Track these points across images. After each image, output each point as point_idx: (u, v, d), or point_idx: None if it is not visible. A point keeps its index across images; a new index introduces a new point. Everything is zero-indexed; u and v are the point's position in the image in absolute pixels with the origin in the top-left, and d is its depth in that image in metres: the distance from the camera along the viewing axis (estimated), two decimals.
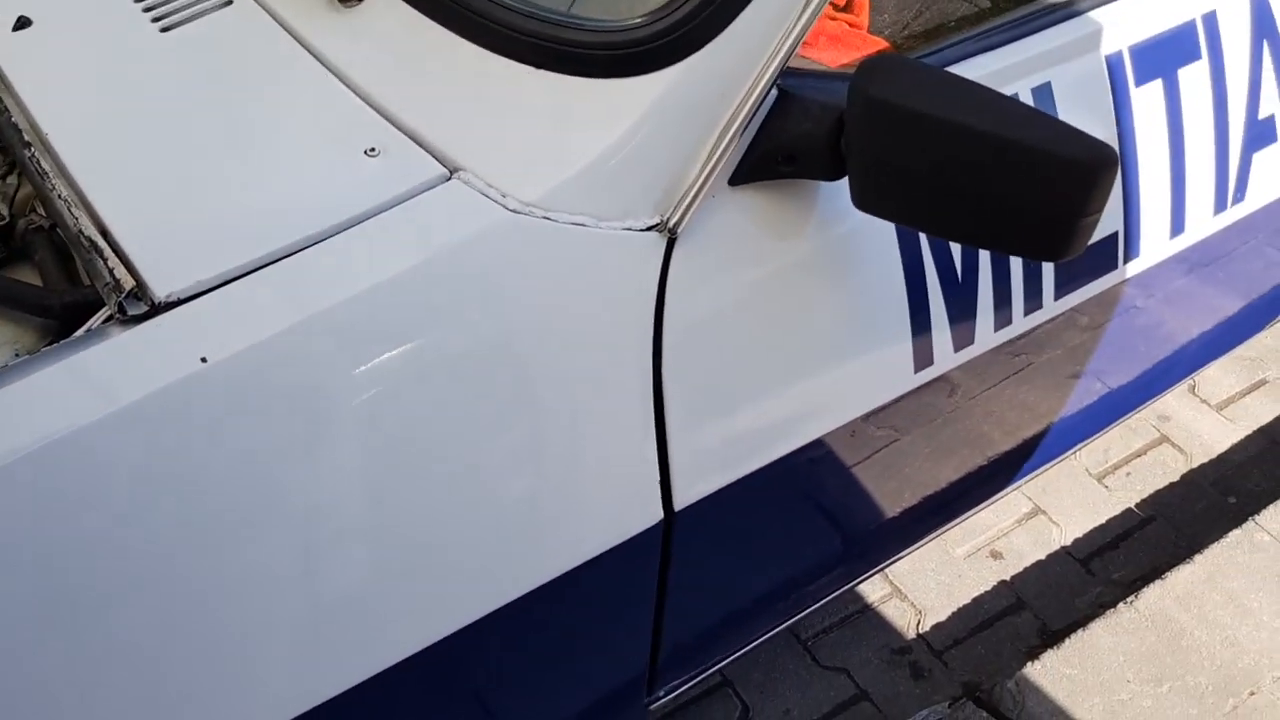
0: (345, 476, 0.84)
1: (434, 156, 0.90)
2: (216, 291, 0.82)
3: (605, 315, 0.91)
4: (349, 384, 0.83)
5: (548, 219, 0.88)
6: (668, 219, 0.91)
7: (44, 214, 0.98)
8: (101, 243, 0.84)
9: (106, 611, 0.78)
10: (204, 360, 0.80)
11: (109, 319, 0.82)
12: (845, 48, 1.77)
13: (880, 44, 1.71)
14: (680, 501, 0.98)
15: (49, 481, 0.75)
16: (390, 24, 0.99)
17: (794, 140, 0.92)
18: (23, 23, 1.00)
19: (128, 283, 0.82)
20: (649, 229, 0.91)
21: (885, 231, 1.05)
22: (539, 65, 0.92)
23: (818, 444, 1.08)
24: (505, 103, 0.93)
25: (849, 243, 1.05)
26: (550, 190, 0.89)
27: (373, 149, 0.91)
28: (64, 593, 0.77)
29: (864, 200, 0.89)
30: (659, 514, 0.98)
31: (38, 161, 0.90)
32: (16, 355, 0.91)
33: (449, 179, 0.89)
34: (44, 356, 0.80)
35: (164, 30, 1.01)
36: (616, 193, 0.90)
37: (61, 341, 0.82)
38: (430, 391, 0.86)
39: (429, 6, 0.97)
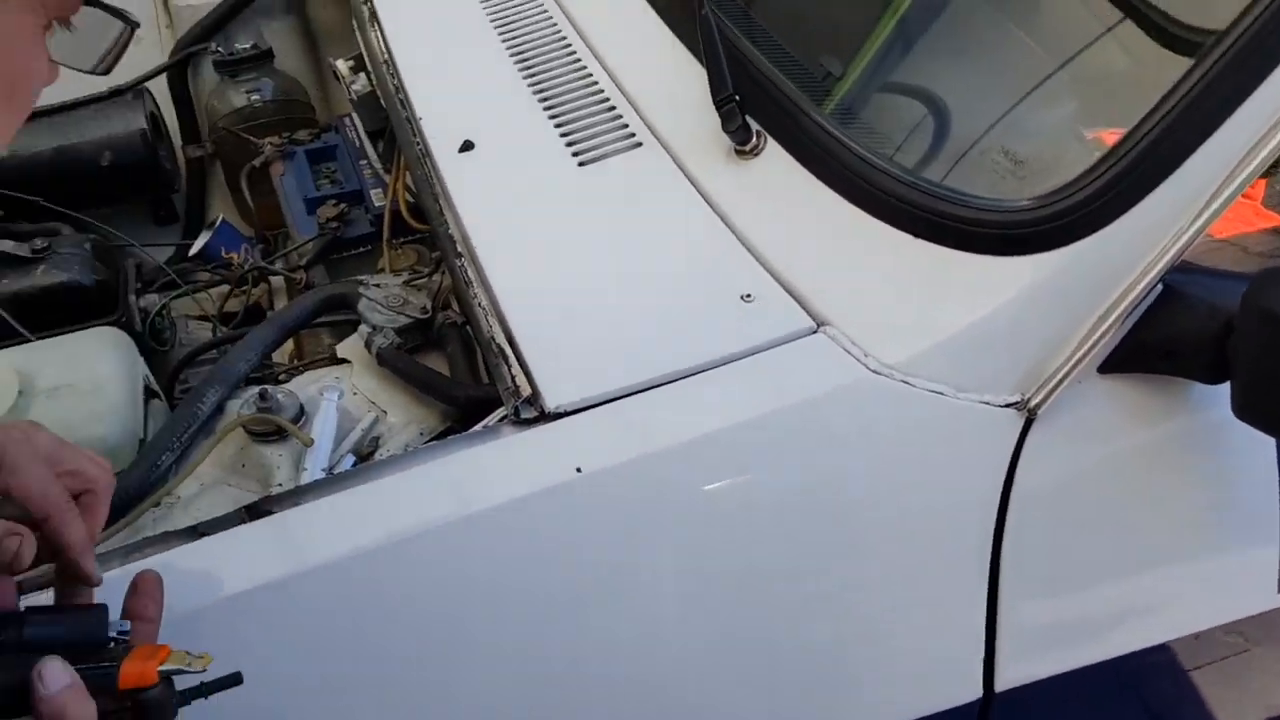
0: (668, 600, 0.90)
1: (804, 309, 0.95)
2: (597, 409, 0.91)
3: (952, 483, 0.92)
4: (692, 511, 0.89)
5: (906, 383, 0.90)
6: (1029, 398, 0.91)
7: (459, 311, 1.12)
8: (509, 351, 0.96)
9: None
10: (579, 470, 0.88)
11: (504, 419, 0.93)
12: (1236, 219, 1.68)
13: (1274, 219, 1.62)
14: (1002, 683, 0.96)
15: (435, 556, 0.86)
16: (781, 179, 1.06)
17: (1175, 337, 0.89)
18: (467, 146, 1.16)
19: (525, 390, 0.93)
20: (1008, 405, 0.91)
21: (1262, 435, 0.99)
22: (920, 235, 0.96)
23: (1161, 649, 1.02)
24: (881, 266, 0.97)
25: (1220, 439, 1.00)
26: (913, 356, 0.91)
27: (748, 295, 0.97)
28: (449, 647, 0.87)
29: (1246, 412, 0.85)
30: (978, 691, 0.96)
31: (465, 270, 1.04)
32: (421, 435, 1.05)
33: (815, 332, 0.94)
34: (448, 444, 0.92)
35: (581, 165, 1.13)
36: (979, 366, 0.91)
37: (462, 432, 0.94)
38: (767, 532, 0.90)
39: (819, 168, 1.03)
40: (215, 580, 0.86)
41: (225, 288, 1.50)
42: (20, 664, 0.65)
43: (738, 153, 1.09)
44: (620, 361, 0.94)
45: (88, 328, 1.28)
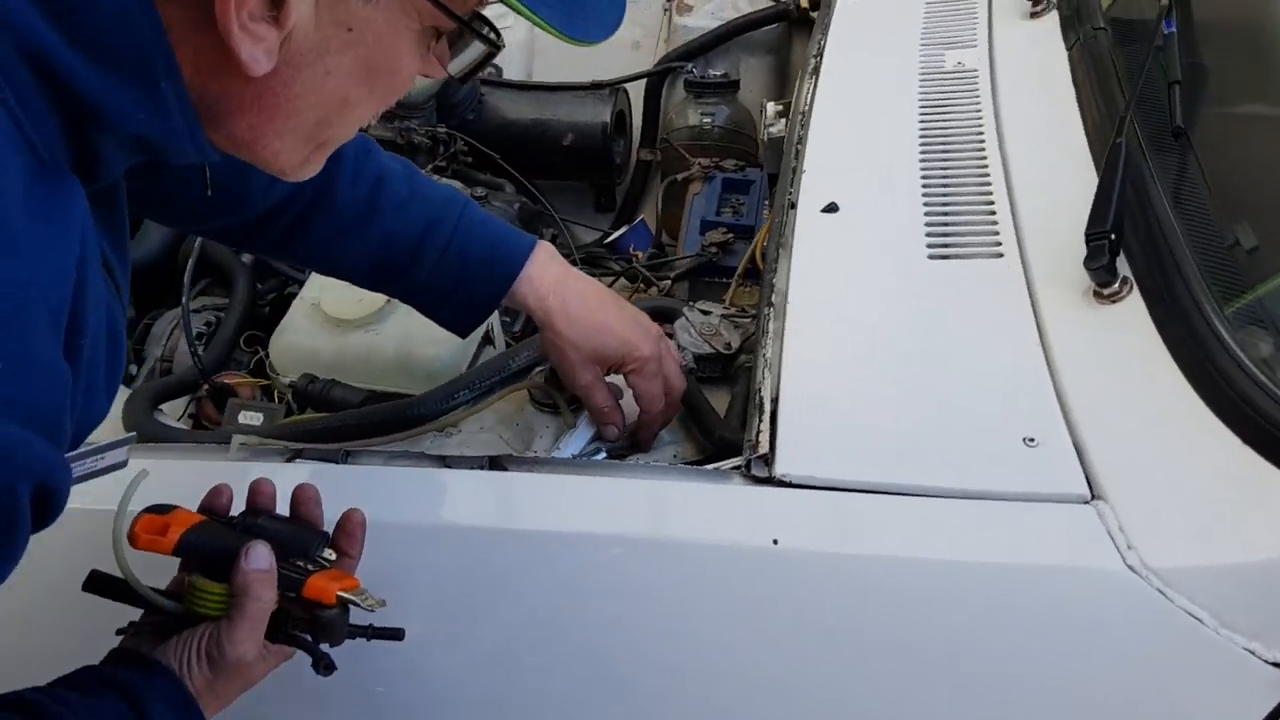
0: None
1: (1085, 475, 0.86)
2: (821, 491, 0.89)
3: None
4: (864, 631, 0.85)
5: (1162, 593, 0.79)
6: None
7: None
8: (767, 407, 0.96)
9: None
10: (775, 542, 0.87)
11: (736, 468, 0.93)
12: None
13: None
14: None
15: (616, 561, 0.89)
16: (1128, 336, 0.96)
17: None
18: (831, 207, 1.17)
19: (763, 448, 0.92)
20: (1275, 664, 0.76)
21: None
22: (1256, 445, 0.83)
23: None
24: (1192, 461, 0.85)
25: None
26: (1182, 567, 0.79)
27: (1032, 439, 0.89)
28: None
29: None
30: None
31: (767, 320, 1.05)
32: (675, 457, 1.08)
33: (1086, 503, 0.84)
34: (678, 471, 0.95)
35: (930, 257, 1.10)
36: (1258, 607, 0.77)
37: (703, 466, 0.96)
38: (941, 683, 0.83)
39: (1178, 346, 0.92)
40: (431, 507, 0.95)
41: (609, 279, 1.62)
42: (240, 542, 0.79)
43: (1095, 293, 1.00)
44: (868, 456, 0.91)
45: None
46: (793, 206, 1.19)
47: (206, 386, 1.31)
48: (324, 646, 0.81)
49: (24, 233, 0.55)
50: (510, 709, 0.93)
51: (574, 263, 1.68)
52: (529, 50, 2.08)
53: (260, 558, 0.78)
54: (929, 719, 0.84)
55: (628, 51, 2.06)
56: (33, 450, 0.54)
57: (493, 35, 0.72)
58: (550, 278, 1.05)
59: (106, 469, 0.71)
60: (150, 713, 0.74)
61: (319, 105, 0.68)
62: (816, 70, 1.44)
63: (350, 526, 0.86)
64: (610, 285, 1.65)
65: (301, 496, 0.86)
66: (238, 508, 0.85)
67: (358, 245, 1.01)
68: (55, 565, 0.77)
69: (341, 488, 0.95)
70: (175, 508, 0.81)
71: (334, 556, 0.84)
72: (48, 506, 0.58)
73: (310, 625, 0.81)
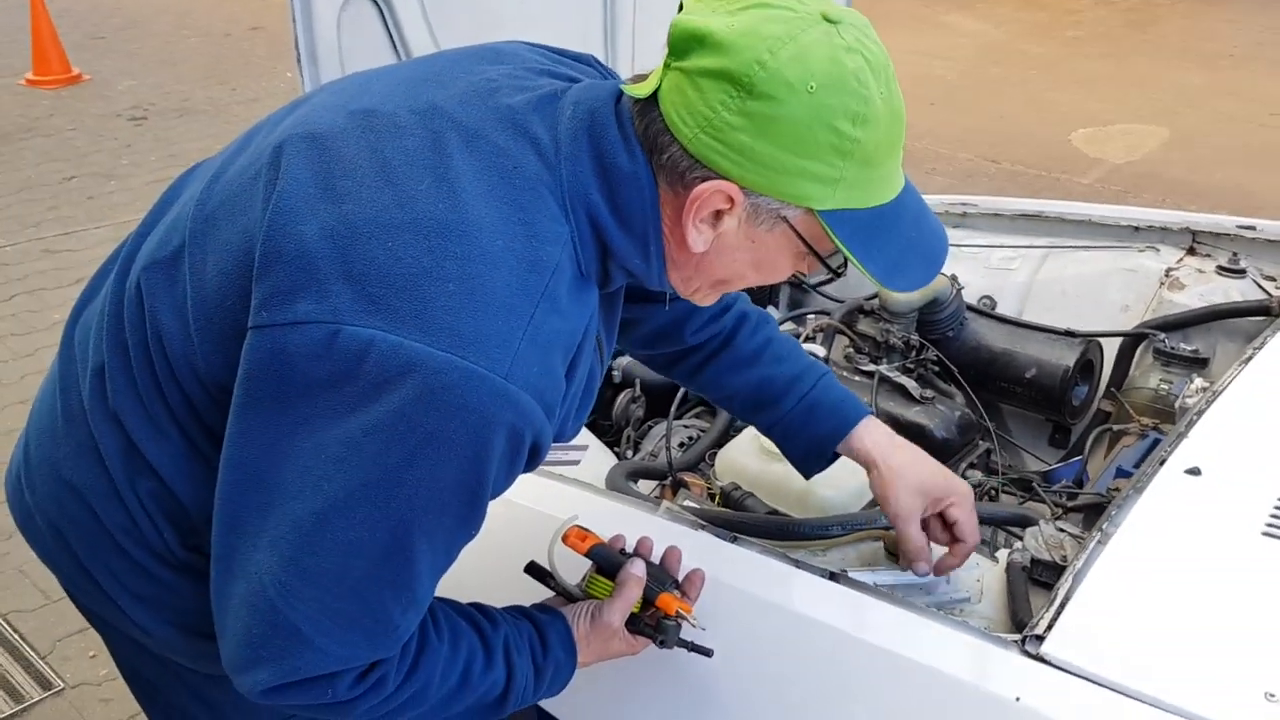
0: None
1: None
2: (1072, 677, 1.07)
3: None
4: None
5: None
6: None
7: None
8: (1058, 600, 1.16)
9: None
10: (1018, 699, 1.07)
11: (1015, 640, 1.14)
12: None
13: None
14: None
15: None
16: None
17: None
18: (1194, 470, 1.32)
19: (1040, 629, 1.13)
20: None
21: None
22: None
23: None
24: None
25: None
26: None
27: (1273, 695, 1.01)
28: None
29: None
30: None
31: (1091, 542, 1.24)
32: (986, 627, 1.29)
33: None
34: (974, 630, 1.17)
35: (1263, 535, 1.22)
36: None
37: (990, 632, 1.17)
38: None
39: None
40: (766, 585, 1.27)
41: (1021, 498, 1.83)
42: (628, 559, 1.24)
43: None
44: (1127, 664, 1.07)
45: None
46: (1162, 462, 1.36)
47: (670, 478, 1.74)
48: (661, 640, 1.20)
49: (565, 305, 0.99)
50: None
51: (996, 472, 1.93)
52: (1025, 291, 2.35)
53: (639, 567, 1.22)
54: None
55: (1116, 311, 2.25)
56: (537, 415, 0.96)
57: (840, 268, 1.07)
58: (881, 434, 1.36)
59: (567, 461, 1.15)
60: (548, 638, 1.16)
61: (723, 274, 1.09)
62: (1247, 361, 1.57)
63: (694, 577, 1.26)
64: (1021, 504, 1.87)
65: (670, 554, 1.28)
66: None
67: (742, 380, 1.40)
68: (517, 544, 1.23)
69: (722, 557, 1.32)
70: (591, 532, 1.26)
71: (679, 594, 1.23)
72: (536, 455, 1.01)
73: (654, 627, 1.21)
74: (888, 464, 1.33)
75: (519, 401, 0.93)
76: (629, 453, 2.00)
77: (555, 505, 1.44)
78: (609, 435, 2.12)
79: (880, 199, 1.01)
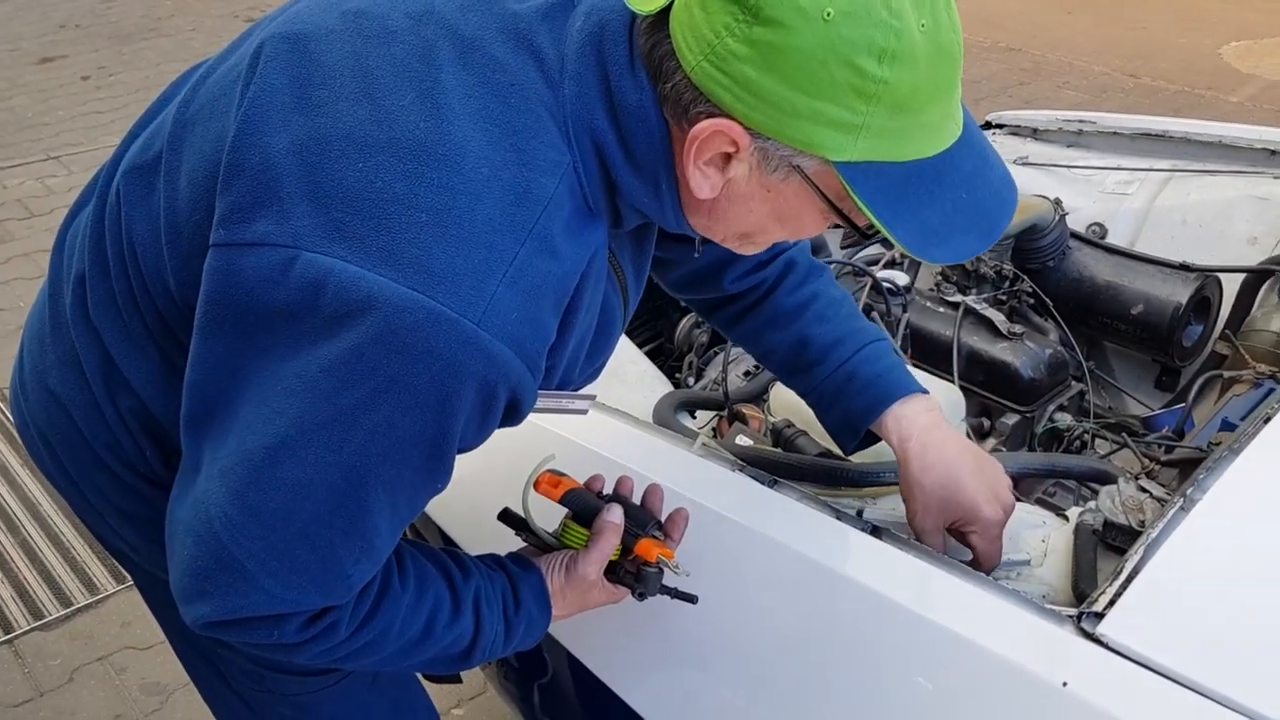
0: None
1: None
2: (1127, 662, 0.95)
3: None
4: None
5: None
6: None
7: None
8: (1123, 575, 1.02)
9: None
10: (1064, 684, 0.95)
11: (1072, 616, 1.01)
12: None
13: None
14: None
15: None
16: None
17: None
18: None
19: (1099, 606, 1.00)
20: None
21: None
22: None
23: None
24: None
25: None
26: None
27: None
28: None
29: None
30: None
31: (1173, 508, 1.09)
32: (1044, 597, 1.17)
33: None
34: (1026, 601, 1.04)
35: None
36: None
37: (1046, 604, 1.05)
38: None
39: None
40: (799, 534, 1.16)
41: (1114, 448, 1.67)
42: (604, 504, 1.14)
43: None
44: (1191, 650, 0.94)
45: None
46: (1266, 420, 1.20)
47: (726, 409, 1.64)
48: (640, 592, 1.13)
49: (559, 244, 0.88)
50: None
51: (1086, 416, 1.76)
52: (1140, 219, 2.14)
53: (616, 513, 1.12)
54: None
55: (1242, 244, 2.03)
56: (514, 368, 0.86)
57: (870, 229, 0.90)
58: (919, 423, 1.20)
59: (572, 410, 1.06)
60: (521, 592, 1.09)
61: (742, 225, 0.96)
62: None
63: (677, 518, 1.16)
64: (1112, 454, 1.71)
65: (652, 492, 1.18)
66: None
67: (780, 337, 1.27)
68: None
69: (756, 502, 1.21)
70: (566, 476, 1.16)
71: (662, 536, 1.14)
72: (515, 411, 0.92)
73: (634, 576, 1.12)
74: (909, 467, 1.19)
75: (491, 350, 0.84)
76: (690, 380, 1.90)
77: (591, 438, 1.36)
78: (672, 360, 2.02)
79: (919, 152, 0.86)
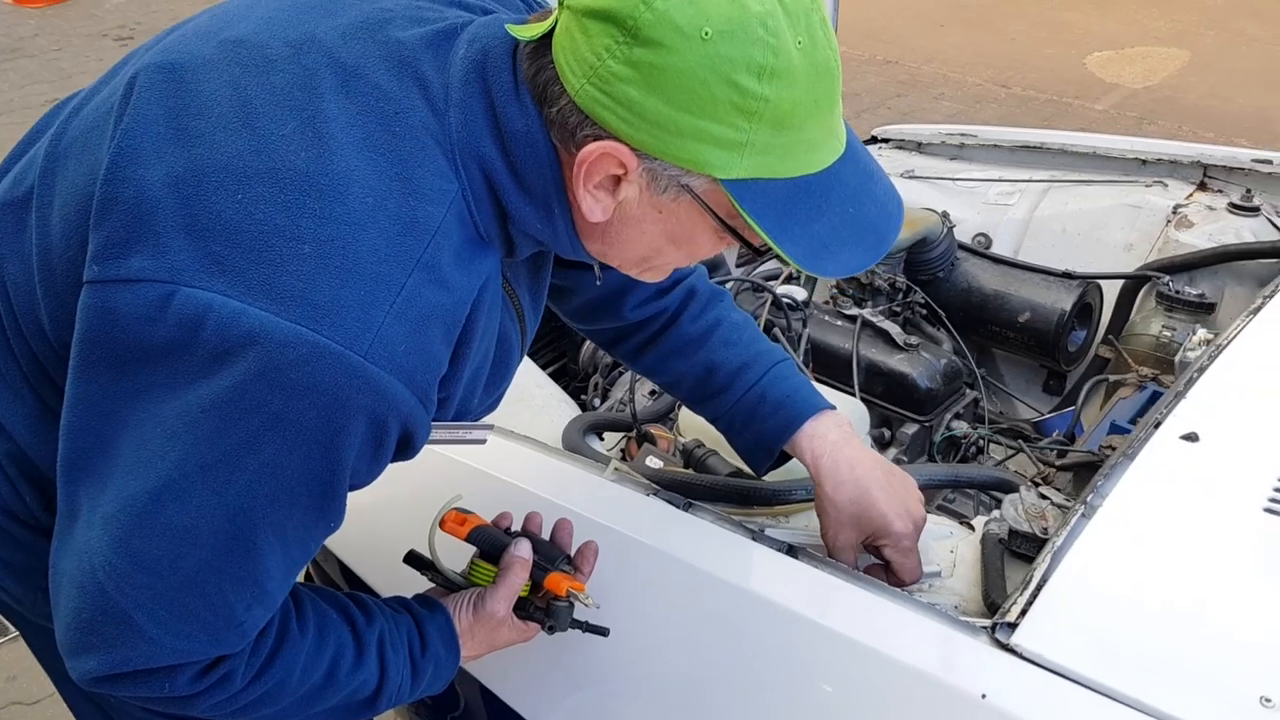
0: None
1: None
2: (1044, 671, 0.97)
3: None
4: None
5: None
6: None
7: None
8: (1033, 584, 1.05)
9: None
10: (983, 696, 0.97)
11: (985, 627, 1.03)
12: None
13: None
14: None
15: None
16: None
17: None
18: (1191, 436, 1.20)
19: (1012, 617, 1.02)
20: None
21: None
22: None
23: None
24: None
25: None
26: None
27: (1269, 699, 0.90)
28: None
29: None
30: None
31: (1074, 515, 1.13)
32: (956, 608, 1.18)
33: None
34: (940, 615, 1.06)
35: (1265, 511, 1.10)
36: None
37: (958, 616, 1.07)
38: None
39: None
40: (716, 559, 1.16)
41: (1010, 453, 1.71)
42: (511, 539, 1.13)
43: None
44: (1105, 657, 0.97)
45: None
46: (1157, 426, 1.24)
47: (635, 430, 1.63)
48: (550, 626, 1.11)
49: (448, 274, 0.86)
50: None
51: (981, 422, 1.81)
52: (1023, 229, 2.21)
53: (524, 547, 1.11)
54: None
55: (1119, 251, 2.11)
56: (405, 401, 0.84)
57: (764, 247, 0.89)
58: (830, 440, 1.21)
59: (470, 441, 1.04)
60: (427, 633, 1.07)
61: (637, 249, 0.95)
62: (1256, 311, 1.44)
63: (586, 551, 1.16)
64: (1007, 459, 1.75)
65: (561, 526, 1.18)
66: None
67: (686, 365, 1.27)
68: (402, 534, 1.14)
69: (672, 526, 1.21)
70: (472, 514, 1.15)
71: (571, 570, 1.13)
72: (408, 445, 0.89)
73: (544, 611, 1.11)
74: (822, 485, 1.20)
75: (380, 384, 0.82)
76: (596, 402, 1.89)
77: (503, 468, 1.34)
78: (577, 381, 2.01)
79: (804, 168, 0.87)
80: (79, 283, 0.84)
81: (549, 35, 0.87)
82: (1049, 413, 2.03)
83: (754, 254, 0.95)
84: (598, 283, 1.15)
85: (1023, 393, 2.16)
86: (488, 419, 1.10)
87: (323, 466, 0.83)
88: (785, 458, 1.27)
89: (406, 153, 0.86)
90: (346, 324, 0.79)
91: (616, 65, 0.82)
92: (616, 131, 0.85)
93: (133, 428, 0.82)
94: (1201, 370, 1.34)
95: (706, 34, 0.80)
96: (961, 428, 1.83)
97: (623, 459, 1.63)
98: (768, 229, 0.86)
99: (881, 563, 1.22)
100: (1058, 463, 1.58)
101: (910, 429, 1.80)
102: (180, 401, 0.80)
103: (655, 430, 1.64)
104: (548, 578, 1.11)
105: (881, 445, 1.83)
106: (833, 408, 1.25)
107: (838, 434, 1.22)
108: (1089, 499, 1.15)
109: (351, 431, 0.82)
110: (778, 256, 0.88)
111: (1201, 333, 1.50)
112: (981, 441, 1.82)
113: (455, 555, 1.15)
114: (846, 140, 0.92)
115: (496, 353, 1.01)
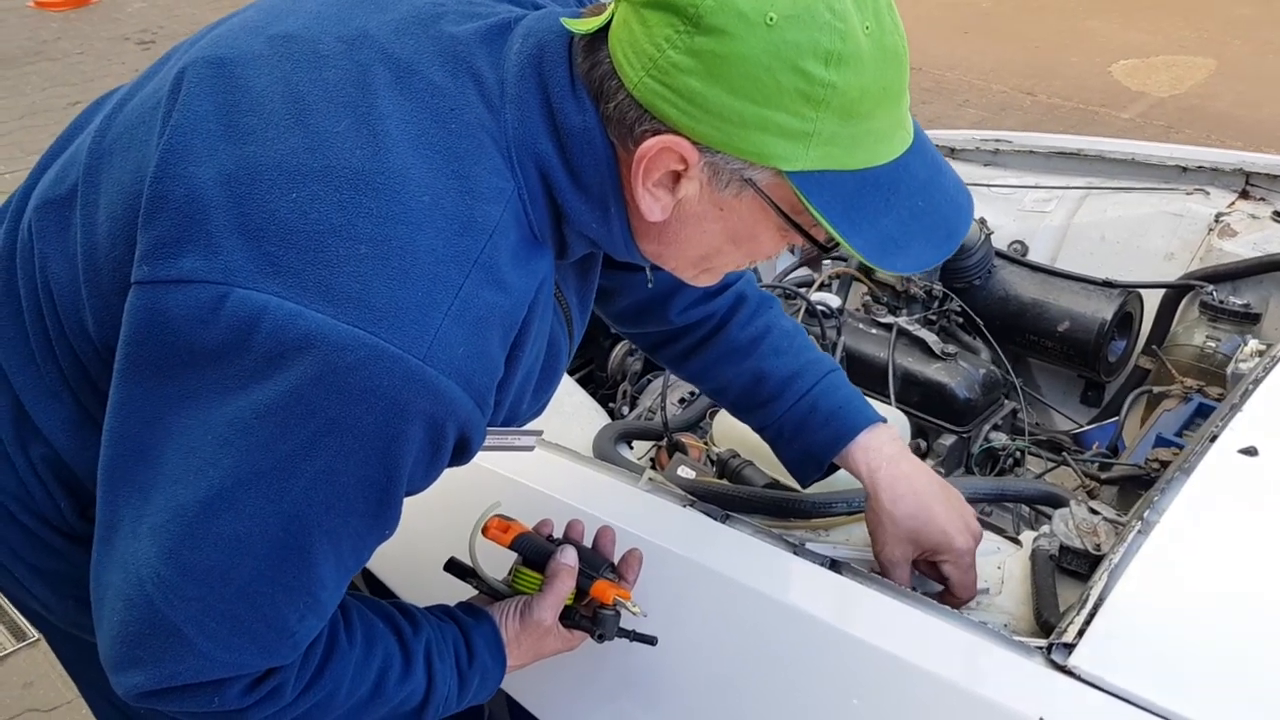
0: None
1: None
2: (1101, 693, 0.93)
3: None
4: None
5: None
6: None
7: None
8: (1089, 604, 1.01)
9: None
10: (1041, 719, 0.93)
11: (1040, 648, 0.99)
12: None
13: None
14: None
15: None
16: None
17: None
18: (1250, 450, 1.16)
19: (1069, 638, 0.98)
20: None
21: None
22: None
23: None
24: None
25: None
26: None
27: None
28: None
29: None
30: None
31: (1131, 532, 1.08)
32: (1006, 626, 1.15)
33: None
34: (995, 634, 1.02)
35: None
36: None
37: (1013, 636, 1.03)
38: None
39: None
40: (754, 572, 1.12)
41: (1051, 466, 1.67)
42: (556, 547, 1.10)
43: None
44: (1162, 680, 0.93)
45: None
46: (1213, 439, 1.20)
47: (666, 439, 1.59)
48: (599, 634, 1.08)
49: (506, 275, 0.83)
50: None
51: (1021, 434, 1.77)
52: (1060, 236, 2.17)
53: (570, 555, 1.08)
54: None
55: (1159, 260, 2.07)
56: (463, 405, 0.81)
57: (829, 243, 0.87)
58: (885, 453, 1.17)
59: (518, 447, 1.00)
60: (474, 642, 1.04)
61: (696, 249, 0.92)
62: None
63: (631, 559, 1.13)
64: (1047, 472, 1.71)
65: (603, 534, 1.15)
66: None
67: (734, 372, 1.23)
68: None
69: (710, 538, 1.17)
70: (515, 520, 1.12)
71: (616, 578, 1.10)
72: (464, 450, 0.86)
73: (590, 619, 1.08)
74: (879, 498, 1.16)
75: (439, 388, 0.78)
76: (625, 409, 1.85)
77: (535, 476, 1.30)
78: (605, 389, 1.98)
79: (871, 160, 0.83)
80: (126, 283, 0.81)
81: (605, 29, 0.84)
82: (1088, 424, 1.98)
83: (820, 251, 0.91)
84: (649, 285, 1.12)
85: (1060, 403, 2.12)
86: (533, 424, 1.07)
87: (380, 472, 0.80)
88: (832, 470, 1.23)
89: (462, 150, 0.83)
90: (405, 326, 0.77)
91: (677, 55, 0.79)
92: (677, 125, 0.82)
93: (179, 434, 0.79)
94: (1257, 382, 1.29)
95: (771, 19, 0.77)
96: (1000, 439, 1.78)
97: (653, 468, 1.60)
98: (835, 223, 0.83)
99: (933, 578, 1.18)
100: (1102, 476, 1.53)
101: (948, 440, 1.76)
102: (232, 407, 0.77)
103: (686, 439, 1.60)
104: (594, 585, 1.07)
105: (918, 456, 1.79)
106: (884, 420, 1.21)
107: (892, 448, 1.18)
108: (1145, 514, 1.11)
109: (409, 436, 0.79)
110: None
111: (1254, 343, 1.45)
112: (1019, 454, 1.77)
113: (496, 563, 1.12)
114: (914, 132, 0.88)
115: (546, 357, 0.98)
